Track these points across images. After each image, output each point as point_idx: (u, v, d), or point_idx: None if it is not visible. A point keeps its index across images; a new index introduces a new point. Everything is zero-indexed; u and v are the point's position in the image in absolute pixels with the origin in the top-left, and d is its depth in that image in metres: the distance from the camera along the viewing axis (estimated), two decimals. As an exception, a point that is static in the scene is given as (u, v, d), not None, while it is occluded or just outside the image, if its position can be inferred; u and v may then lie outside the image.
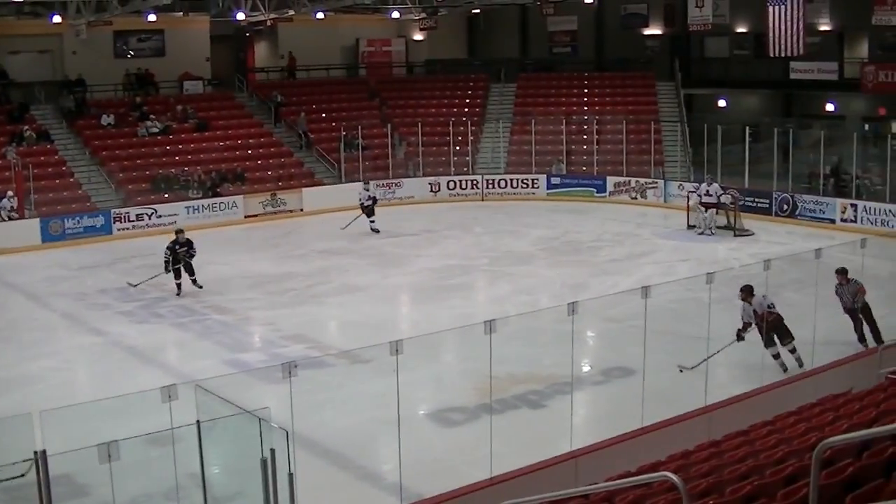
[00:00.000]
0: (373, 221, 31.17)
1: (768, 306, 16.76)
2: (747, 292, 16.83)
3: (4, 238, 29.94)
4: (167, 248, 24.25)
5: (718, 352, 16.09)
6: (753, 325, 16.92)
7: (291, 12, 38.32)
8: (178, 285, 24.10)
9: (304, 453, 11.87)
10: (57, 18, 36.19)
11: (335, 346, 19.34)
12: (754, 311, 16.82)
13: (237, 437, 10.43)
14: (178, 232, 24.78)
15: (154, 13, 36.94)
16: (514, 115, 42.14)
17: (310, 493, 10.49)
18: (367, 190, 31.83)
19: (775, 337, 16.85)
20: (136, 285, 24.59)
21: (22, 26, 38.37)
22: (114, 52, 41.18)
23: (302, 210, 35.88)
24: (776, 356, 16.79)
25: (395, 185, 37.53)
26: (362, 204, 31.43)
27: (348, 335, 20.66)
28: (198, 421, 9.89)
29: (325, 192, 36.89)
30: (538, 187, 38.13)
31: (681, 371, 16.20)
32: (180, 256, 24.11)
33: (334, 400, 16.06)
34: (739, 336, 16.96)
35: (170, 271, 24.12)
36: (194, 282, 24.20)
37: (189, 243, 24.23)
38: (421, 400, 15.73)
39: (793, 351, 16.80)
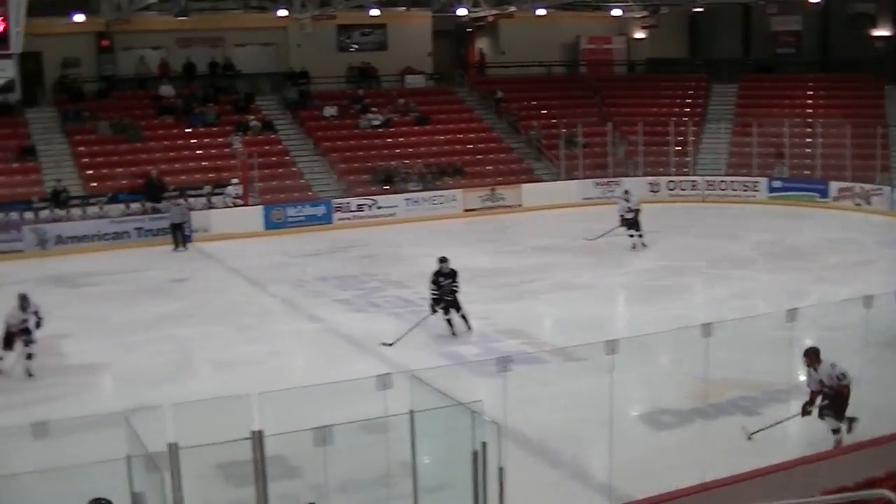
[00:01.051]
0: (640, 235, 28.33)
1: (838, 376, 13.35)
2: (812, 357, 13.49)
3: (229, 224, 31.17)
4: (431, 281, 19.94)
5: (782, 421, 14.43)
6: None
7: (513, 9, 38.51)
8: (449, 321, 19.86)
9: (514, 448, 11.80)
10: (282, 12, 37.41)
11: (549, 342, 19.23)
12: (821, 380, 13.41)
13: (449, 429, 10.39)
14: (442, 261, 19.96)
15: (377, 8, 37.70)
16: (735, 116, 41.23)
17: (518, 489, 10.42)
18: (628, 201, 28.66)
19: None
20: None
21: (248, 20, 39.85)
22: (337, 45, 42.28)
23: (520, 206, 35.96)
24: (836, 431, 13.50)
25: (615, 183, 37.16)
26: (622, 216, 28.57)
27: (562, 332, 20.54)
28: (411, 411, 9.98)
29: (543, 189, 36.94)
30: (759, 190, 37.10)
31: (749, 437, 14.10)
32: (445, 290, 19.83)
33: (547, 397, 16.00)
34: (805, 410, 13.61)
35: (436, 311, 19.85)
36: (464, 319, 20.02)
37: (453, 274, 19.88)
38: (633, 401, 15.53)
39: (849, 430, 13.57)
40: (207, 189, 33.43)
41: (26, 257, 29.33)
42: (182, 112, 37.34)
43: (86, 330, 20.94)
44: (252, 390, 9.97)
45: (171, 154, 35.61)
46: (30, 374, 17.28)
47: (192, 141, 36.77)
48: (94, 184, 33.42)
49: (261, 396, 9.61)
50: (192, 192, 33.08)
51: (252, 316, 22.01)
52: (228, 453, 9.96)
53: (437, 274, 19.79)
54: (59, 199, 31.67)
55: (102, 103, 37.18)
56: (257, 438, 9.09)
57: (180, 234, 30.01)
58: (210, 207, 32.70)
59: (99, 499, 8.77)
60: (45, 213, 31.30)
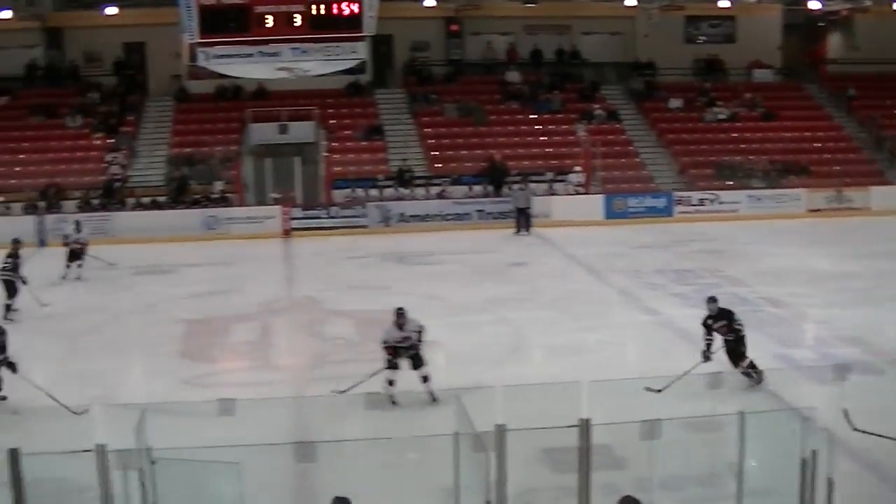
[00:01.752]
0: None
1: None
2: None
3: (570, 211, 31.23)
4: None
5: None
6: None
7: (868, 3, 36.55)
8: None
9: (845, 460, 11.10)
10: (630, 1, 37.16)
11: (890, 352, 18.07)
12: None
13: (778, 433, 9.92)
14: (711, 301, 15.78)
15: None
16: None
17: (846, 501, 9.84)
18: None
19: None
20: None
21: (596, 8, 39.58)
22: (684, 36, 41.49)
23: (869, 209, 34.08)
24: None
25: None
26: None
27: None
28: (741, 412, 9.54)
29: (895, 192, 34.88)
30: None
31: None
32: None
33: (886, 410, 15.01)
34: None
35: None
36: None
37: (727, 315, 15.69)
38: None
39: None
40: (549, 176, 33.60)
41: (370, 233, 30.55)
42: (527, 98, 37.73)
43: (423, 307, 21.17)
44: (582, 378, 9.78)
45: (514, 139, 36.04)
46: (434, 399, 14.50)
47: (537, 127, 37.03)
48: (439, 165, 34.34)
49: (591, 385, 9.40)
50: (535, 178, 33.28)
51: (587, 304, 21.81)
52: (554, 439, 9.86)
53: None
54: (403, 178, 32.69)
55: (449, 87, 38.14)
56: (584, 427, 8.96)
57: (524, 219, 30.19)
58: (552, 194, 32.85)
59: (340, 498, 8.81)
60: (389, 191, 32.39)
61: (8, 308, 20.57)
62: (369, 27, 23.55)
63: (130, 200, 32.16)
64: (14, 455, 8.39)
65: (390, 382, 14.58)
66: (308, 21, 23.60)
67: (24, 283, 20.79)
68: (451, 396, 11.73)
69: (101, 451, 8.61)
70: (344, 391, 10.97)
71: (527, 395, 13.91)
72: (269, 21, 23.51)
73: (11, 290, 20.66)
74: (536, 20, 39.83)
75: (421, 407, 13.31)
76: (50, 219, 30.44)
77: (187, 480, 8.82)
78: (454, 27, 39.81)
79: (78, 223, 25.47)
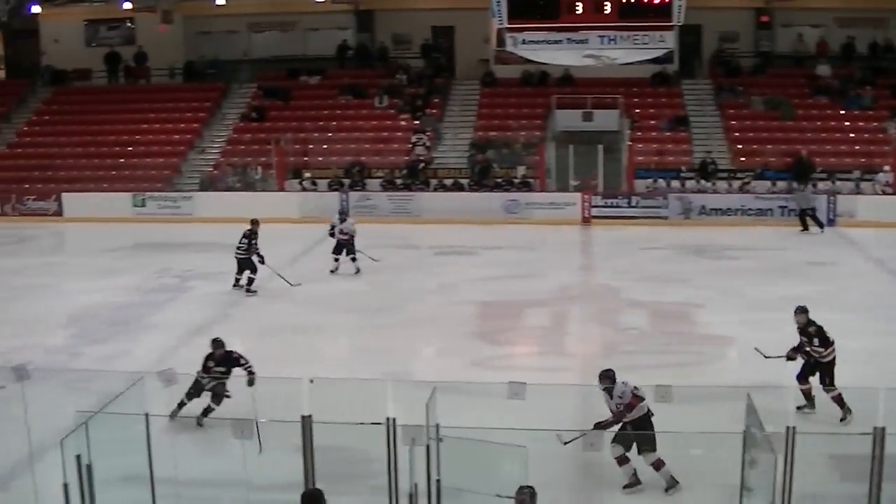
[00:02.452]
0: None
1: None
2: None
3: (877, 212, 29.62)
4: None
5: None
6: None
7: None
8: None
9: None
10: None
11: None
12: None
13: None
14: None
15: None
16: None
17: None
18: None
19: None
20: None
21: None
22: None
23: None
24: None
25: None
26: None
27: None
28: None
29: None
30: None
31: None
32: None
33: None
34: None
35: None
36: None
37: None
38: None
39: None
40: (856, 174, 32.13)
41: (670, 224, 30.12)
42: (837, 93, 36.19)
43: (719, 302, 20.96)
44: (879, 384, 9.31)
45: (822, 135, 34.61)
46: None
47: (846, 123, 35.41)
48: (743, 158, 33.46)
49: (886, 392, 8.93)
50: (841, 176, 31.91)
51: (890, 309, 20.68)
52: (845, 446, 9.47)
53: None
54: (706, 170, 32.06)
55: (757, 79, 37.04)
56: (879, 434, 8.69)
57: (812, 219, 28.96)
58: (858, 193, 31.40)
59: (525, 487, 8.62)
60: (691, 183, 31.84)
61: (236, 283, 21.80)
62: (679, 16, 23.22)
63: (433, 181, 32.94)
64: (307, 422, 8.75)
65: None
66: (617, 8, 23.53)
67: (262, 261, 21.62)
68: (741, 394, 11.42)
69: (390, 424, 8.85)
70: (566, 442, 10.90)
71: (817, 398, 13.42)
72: (579, 7, 23.57)
73: (245, 268, 21.63)
74: (850, 12, 38.02)
75: (709, 402, 13.02)
76: (354, 196, 31.65)
77: (471, 460, 8.97)
78: (764, 18, 38.62)
79: (343, 212, 25.15)
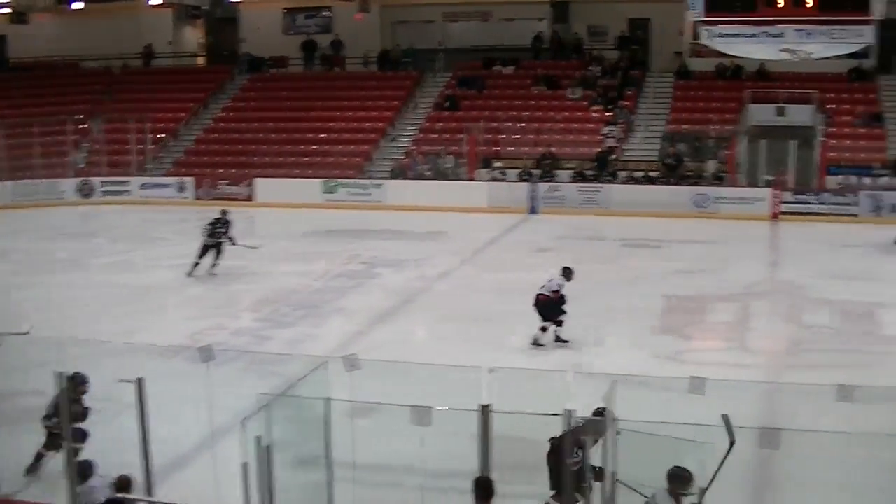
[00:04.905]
0: None
1: None
2: None
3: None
4: None
5: None
6: None
7: None
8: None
9: None
10: None
11: None
12: None
13: None
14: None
15: None
16: None
17: None
18: None
19: None
20: None
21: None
22: None
23: None
24: None
25: None
26: None
27: None
28: None
29: None
30: None
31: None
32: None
33: None
34: None
35: None
36: None
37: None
38: None
39: None
40: None
41: (860, 221, 29.47)
42: None
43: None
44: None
45: None
46: None
47: None
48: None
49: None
50: None
51: None
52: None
53: None
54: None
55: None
56: None
57: None
58: None
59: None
60: (883, 181, 31.05)
61: (196, 265, 22.83)
62: (879, 10, 22.75)
63: (623, 173, 32.96)
64: (485, 411, 9.07)
65: None
66: (816, 2, 23.21)
67: (234, 243, 22.98)
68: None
69: (568, 415, 9.11)
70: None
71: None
72: (778, 1, 23.33)
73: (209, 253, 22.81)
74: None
75: (892, 403, 12.90)
76: (542, 187, 31.95)
77: (649, 454, 9.13)
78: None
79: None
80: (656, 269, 23.42)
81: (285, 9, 43.45)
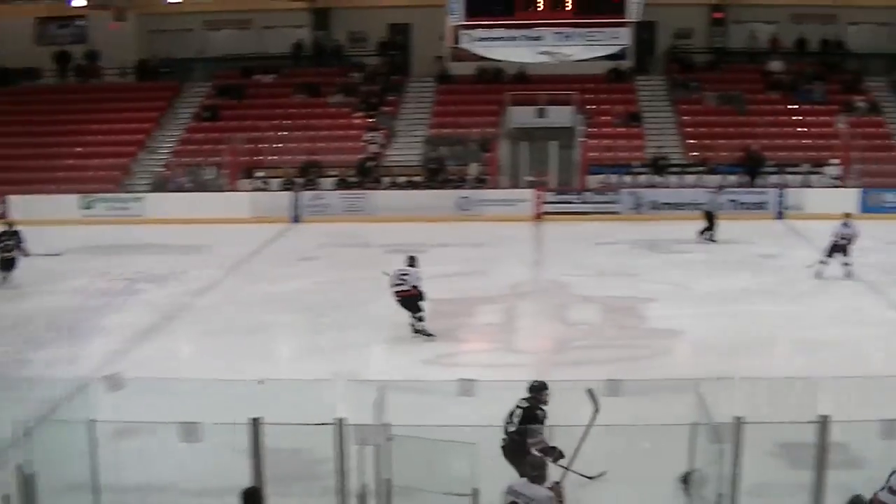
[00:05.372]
0: (846, 264, 23.00)
1: None
2: None
3: (825, 204, 29.78)
4: None
5: None
6: None
7: None
8: None
9: None
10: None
11: None
12: None
13: None
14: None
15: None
16: None
17: None
18: (847, 226, 23.33)
19: None
20: None
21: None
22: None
23: None
24: None
25: None
26: (835, 242, 23.24)
27: None
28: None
29: None
30: None
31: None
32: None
33: None
34: None
35: None
36: None
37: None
38: None
39: None
40: (806, 167, 32.55)
41: (622, 219, 30.36)
42: (789, 88, 36.62)
43: (670, 295, 21.18)
44: (824, 373, 9.50)
45: (773, 129, 35.05)
46: None
47: (796, 118, 35.94)
48: (695, 153, 33.77)
49: (833, 381, 9.11)
50: (790, 170, 32.41)
51: (836, 300, 21.09)
52: (791, 434, 9.63)
53: None
54: (657, 165, 32.31)
55: (710, 75, 37.45)
56: (823, 423, 8.84)
57: (709, 224, 27.81)
58: (807, 186, 31.81)
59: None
60: (643, 178, 32.07)
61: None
62: (634, 13, 23.36)
63: (386, 179, 32.92)
64: (256, 424, 8.75)
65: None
66: (573, 5, 23.63)
67: (27, 254, 22.64)
68: (690, 386, 11.61)
69: (340, 424, 8.87)
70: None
71: (767, 388, 13.60)
72: (536, 4, 23.65)
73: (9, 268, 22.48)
74: (802, 9, 38.53)
75: (657, 395, 13.15)
76: (306, 196, 31.60)
77: (422, 458, 9.00)
78: (718, 15, 39.13)
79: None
80: (422, 273, 23.34)
81: (37, 18, 41.54)
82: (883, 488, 9.13)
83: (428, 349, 17.31)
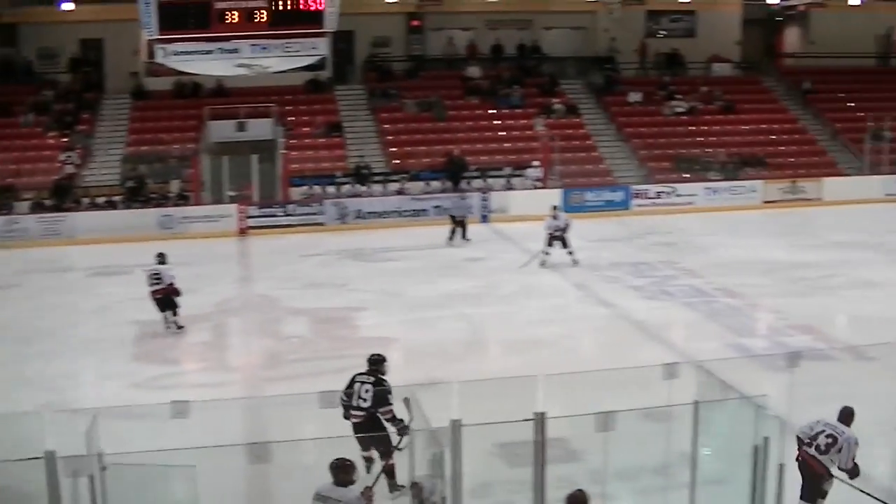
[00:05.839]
0: (570, 253, 25.05)
1: None
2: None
3: (528, 206, 31.08)
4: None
5: None
6: None
7: (826, -2, 37.19)
8: None
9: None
10: (592, -4, 37.32)
11: (841, 340, 18.38)
12: None
13: (731, 421, 10.20)
14: None
15: (688, -6, 37.12)
16: None
17: (798, 486, 10.12)
18: (557, 218, 25.44)
19: None
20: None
21: (558, 3, 40.02)
22: (645, 31, 41.68)
23: (821, 199, 34.50)
24: None
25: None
26: (551, 234, 25.23)
27: (856, 330, 19.32)
28: (696, 401, 9.67)
29: (846, 183, 35.31)
30: None
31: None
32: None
33: (834, 395, 15.07)
34: None
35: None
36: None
37: None
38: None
39: None
40: (508, 170, 33.69)
41: (327, 230, 30.44)
42: (488, 93, 37.77)
43: (380, 304, 21.43)
44: (538, 372, 9.82)
45: (474, 135, 36.09)
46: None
47: (496, 122, 37.11)
48: (397, 161, 34.28)
49: (547, 379, 9.44)
50: (493, 174, 33.45)
51: (545, 298, 21.93)
52: (510, 433, 9.91)
53: None
54: (360, 174, 32.62)
55: (410, 83, 38.16)
56: (539, 420, 9.05)
57: (460, 228, 28.70)
58: (510, 189, 32.91)
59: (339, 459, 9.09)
60: (347, 188, 32.32)
61: None
62: (331, 23, 23.43)
63: (85, 200, 31.75)
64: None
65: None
66: (269, 17, 23.45)
67: None
68: (406, 393, 11.81)
69: (50, 457, 8.51)
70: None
71: (483, 390, 13.94)
72: (230, 17, 23.35)
73: None
74: (498, 15, 39.99)
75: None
76: (0, 220, 30.11)
77: (139, 485, 8.76)
78: (416, 23, 39.89)
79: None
80: (126, 295, 22.63)
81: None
82: (810, 445, 10.20)
83: (139, 372, 16.88)
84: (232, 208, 31.21)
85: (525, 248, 26.28)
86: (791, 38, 44.93)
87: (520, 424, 9.02)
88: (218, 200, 32.30)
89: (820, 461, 10.29)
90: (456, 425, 9.16)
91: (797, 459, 10.45)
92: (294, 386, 14.89)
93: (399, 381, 13.81)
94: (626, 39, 40.56)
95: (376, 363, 12.07)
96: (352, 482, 9.19)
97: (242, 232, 30.61)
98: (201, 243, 28.97)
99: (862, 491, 10.33)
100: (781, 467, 9.33)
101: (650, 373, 10.63)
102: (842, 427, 10.49)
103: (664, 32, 42.06)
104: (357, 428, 11.53)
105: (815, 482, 10.35)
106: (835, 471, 10.30)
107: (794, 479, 9.82)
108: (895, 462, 11.63)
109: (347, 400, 11.68)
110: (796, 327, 19.17)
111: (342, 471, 9.19)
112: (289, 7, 23.12)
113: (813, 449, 10.34)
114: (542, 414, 9.02)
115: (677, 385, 10.15)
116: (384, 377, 11.93)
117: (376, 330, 19.24)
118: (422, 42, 40.18)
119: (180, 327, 18.62)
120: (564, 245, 24.82)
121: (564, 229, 24.89)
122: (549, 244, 24.86)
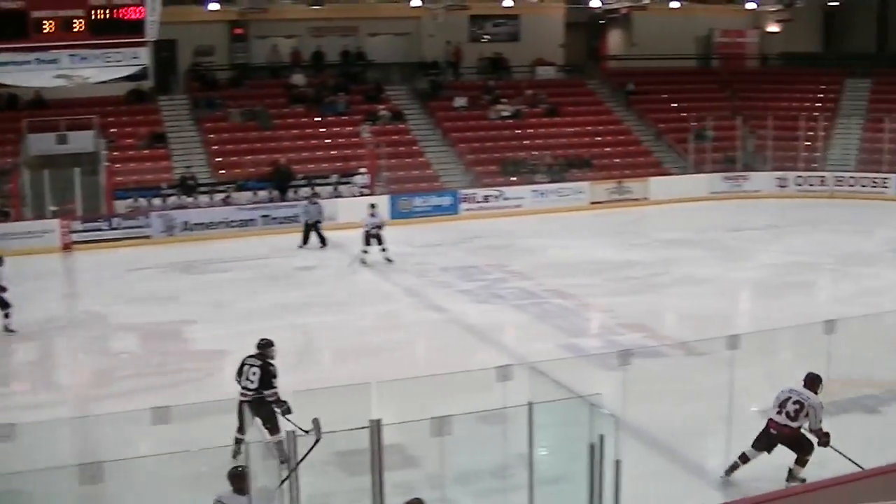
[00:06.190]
0: (384, 250, 26.13)
1: None
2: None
3: (356, 213, 30.88)
4: None
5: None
6: None
7: (647, 0, 38.15)
8: None
9: (632, 441, 11.69)
10: (416, 2, 37.66)
11: (672, 336, 18.99)
12: None
13: (567, 421, 10.38)
14: None
15: (510, -1, 37.76)
16: (868, 111, 40.10)
17: (634, 482, 10.34)
18: (374, 216, 26.53)
19: None
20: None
21: (382, 9, 40.18)
22: (469, 35, 42.20)
23: (647, 199, 35.63)
24: None
25: (742, 178, 36.78)
26: (367, 232, 26.19)
27: (685, 327, 20.09)
28: (530, 402, 9.89)
29: (671, 182, 36.63)
30: (888, 186, 36.16)
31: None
32: None
33: (667, 391, 15.71)
34: None
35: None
36: None
37: None
38: (753, 396, 15.11)
39: None
40: (335, 178, 33.74)
41: (154, 243, 29.92)
42: (313, 101, 37.71)
43: (210, 316, 21.27)
44: (373, 379, 9.96)
45: (300, 143, 36.06)
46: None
47: (322, 130, 37.11)
48: (223, 171, 33.95)
49: (380, 385, 9.59)
50: (320, 181, 33.39)
51: (376, 305, 22.11)
52: (346, 442, 10.03)
53: None
54: (186, 185, 32.22)
55: (235, 91, 37.77)
56: (375, 427, 9.11)
57: (315, 233, 29.16)
58: (337, 196, 32.95)
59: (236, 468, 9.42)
60: (172, 200, 31.90)
61: None
62: (151, 32, 23.11)
63: None
64: None
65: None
66: (87, 26, 22.98)
67: None
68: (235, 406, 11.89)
69: None
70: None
71: (317, 400, 14.02)
72: (48, 26, 22.81)
73: None
74: (322, 22, 39.91)
75: (207, 417, 13.22)
76: None
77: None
78: (239, 31, 39.50)
79: None
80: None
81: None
82: (780, 412, 11.54)
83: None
84: (55, 223, 30.37)
85: (354, 255, 26.41)
86: (614, 40, 46.24)
87: (356, 432, 9.06)
88: (40, 216, 31.38)
89: (791, 427, 11.53)
90: (291, 436, 9.25)
91: (771, 432, 11.68)
92: (126, 403, 14.71)
93: (231, 394, 13.87)
94: (451, 45, 41.02)
95: (263, 347, 13.12)
96: (248, 491, 9.24)
97: (66, 247, 29.85)
98: (23, 260, 28.04)
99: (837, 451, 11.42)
100: (618, 464, 9.59)
101: (484, 376, 10.87)
102: (807, 392, 11.67)
103: (488, 37, 42.67)
104: (248, 405, 12.50)
105: (795, 444, 11.75)
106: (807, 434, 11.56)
107: (630, 476, 9.95)
108: (728, 455, 12.12)
109: (238, 379, 12.94)
110: (627, 326, 19.78)
111: (240, 479, 9.34)
112: (108, 16, 22.71)
113: (784, 416, 11.54)
114: (378, 421, 9.09)
115: (511, 387, 10.40)
116: (272, 361, 12.94)
117: (208, 343, 19.17)
118: (246, 50, 39.86)
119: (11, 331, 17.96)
120: (380, 242, 25.26)
121: (381, 226, 25.40)
122: (367, 242, 25.56)
